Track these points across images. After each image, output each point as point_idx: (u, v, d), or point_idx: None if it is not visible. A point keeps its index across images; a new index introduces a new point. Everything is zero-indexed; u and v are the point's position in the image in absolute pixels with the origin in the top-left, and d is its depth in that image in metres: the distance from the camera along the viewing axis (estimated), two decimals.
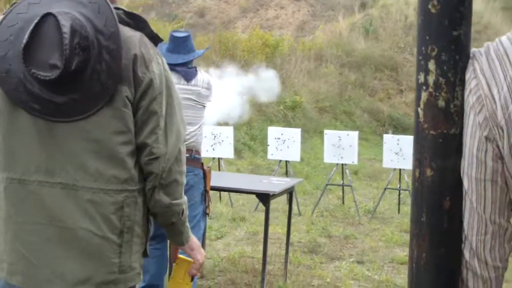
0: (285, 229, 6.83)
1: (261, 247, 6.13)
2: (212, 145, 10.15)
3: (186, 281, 2.84)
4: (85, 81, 2.33)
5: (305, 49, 21.10)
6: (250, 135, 15.80)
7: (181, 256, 2.81)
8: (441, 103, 1.62)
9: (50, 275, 2.40)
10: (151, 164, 2.45)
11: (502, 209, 1.63)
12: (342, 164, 10.33)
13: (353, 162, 10.26)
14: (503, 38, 1.60)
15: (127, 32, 2.43)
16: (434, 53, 1.62)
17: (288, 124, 16.14)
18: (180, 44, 5.12)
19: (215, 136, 10.15)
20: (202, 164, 5.17)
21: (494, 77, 1.56)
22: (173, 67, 5.03)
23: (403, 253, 7.91)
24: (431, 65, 1.63)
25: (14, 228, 2.43)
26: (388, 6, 23.48)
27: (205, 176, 5.13)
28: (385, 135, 10.48)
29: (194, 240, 2.75)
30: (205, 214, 5.21)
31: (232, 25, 26.61)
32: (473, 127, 1.60)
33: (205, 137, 10.08)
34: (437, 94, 1.62)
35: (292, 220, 9.03)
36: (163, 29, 17.09)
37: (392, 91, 21.01)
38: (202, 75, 5.25)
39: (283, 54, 20.14)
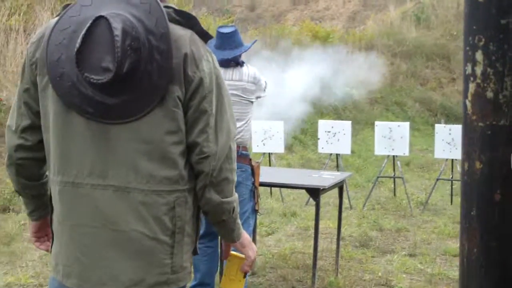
0: (336, 223, 6.80)
1: (312, 242, 6.10)
2: (262, 140, 10.14)
3: (238, 277, 2.85)
4: (136, 82, 2.34)
5: (355, 39, 20.95)
6: (301, 129, 15.77)
7: (233, 252, 2.81)
8: (490, 94, 1.60)
9: (104, 277, 2.43)
10: (202, 163, 2.45)
11: None
12: (394, 156, 10.24)
13: (404, 153, 10.16)
14: None
15: (177, 31, 2.43)
16: (481, 43, 1.59)
17: (339, 117, 16.07)
18: (227, 40, 5.11)
19: (265, 131, 10.13)
20: (250, 160, 5.15)
21: None
22: (221, 63, 5.04)
23: (456, 245, 7.79)
24: (479, 56, 1.60)
25: (69, 230, 2.46)
26: None
27: (254, 172, 5.10)
28: (437, 125, 10.34)
29: (245, 237, 2.74)
30: (255, 210, 5.19)
31: (283, 18, 26.56)
32: None
33: (255, 132, 10.11)
34: (485, 85, 1.60)
35: (343, 214, 9.00)
36: (213, 24, 17.16)
37: (444, 80, 20.72)
38: (248, 69, 5.23)
39: (334, 45, 20.01)
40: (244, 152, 5.10)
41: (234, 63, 5.19)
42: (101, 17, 2.27)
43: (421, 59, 20.83)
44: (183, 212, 2.47)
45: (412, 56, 20.84)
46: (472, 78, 1.61)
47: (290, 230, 8.48)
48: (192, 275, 2.63)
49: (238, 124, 5.04)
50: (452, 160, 10.06)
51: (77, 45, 2.26)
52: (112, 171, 2.40)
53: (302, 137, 15.26)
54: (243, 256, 2.78)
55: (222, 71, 4.92)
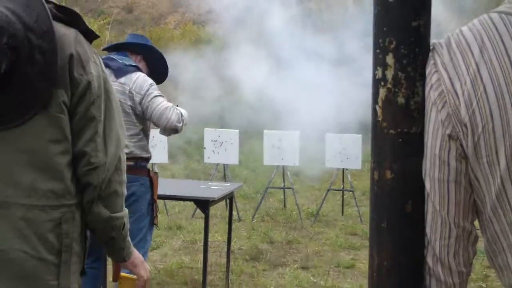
0: (225, 236, 6.77)
1: (200, 257, 6.06)
2: None
3: None
4: (15, 85, 2.20)
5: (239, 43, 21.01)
6: (185, 138, 15.66)
7: (123, 274, 2.70)
8: (401, 99, 1.58)
9: None
10: (89, 174, 2.35)
11: (466, 212, 1.60)
12: (283, 166, 10.30)
13: (294, 163, 10.24)
14: (464, 29, 1.56)
15: (60, 29, 2.30)
16: (392, 46, 1.57)
17: (226, 125, 16.07)
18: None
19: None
20: (148, 171, 4.95)
21: (457, 71, 1.53)
22: (106, 61, 4.75)
23: (349, 256, 7.93)
24: (390, 59, 1.58)
25: None
26: None
27: (152, 184, 4.94)
28: (327, 134, 10.48)
29: (136, 255, 2.65)
30: (153, 225, 5.02)
31: (163, 21, 26.35)
32: (435, 125, 1.56)
33: None
34: (396, 90, 1.58)
35: (232, 226, 9.00)
36: (90, 26, 16.78)
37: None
38: (141, 79, 4.88)
39: (218, 49, 20.01)
40: (142, 164, 4.91)
41: (126, 65, 4.90)
42: None
43: None
44: (71, 229, 2.36)
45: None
46: (382, 83, 1.59)
47: (177, 244, 8.38)
48: None
49: (135, 132, 4.88)
50: (343, 170, 10.22)
51: None
52: None
53: (187, 147, 15.17)
54: (134, 276, 2.69)
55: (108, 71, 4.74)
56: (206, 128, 10.83)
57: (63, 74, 2.27)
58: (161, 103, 4.85)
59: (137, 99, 4.81)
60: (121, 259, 2.61)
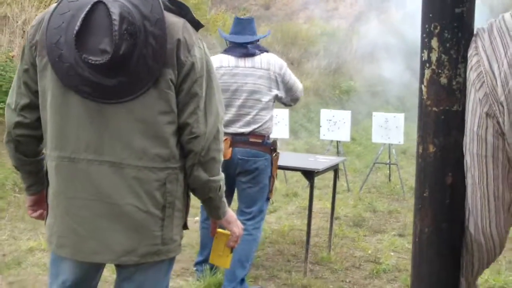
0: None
1: None
2: None
3: (226, 253, 2.78)
4: (132, 64, 2.27)
5: (360, 37, 20.80)
6: (307, 117, 15.67)
7: (219, 230, 2.74)
8: (444, 80, 1.50)
9: (98, 247, 2.38)
10: (191, 142, 2.40)
11: (505, 185, 1.51)
12: (389, 144, 10.12)
13: (399, 142, 10.03)
14: (506, 15, 1.46)
15: (170, 18, 2.37)
16: (437, 31, 1.50)
17: (342, 107, 15.95)
18: (244, 26, 4.86)
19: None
20: (271, 149, 4.89)
21: (495, 53, 1.44)
22: (246, 51, 4.78)
23: None
24: (434, 43, 1.51)
25: (64, 203, 2.40)
26: None
27: (273, 162, 4.94)
28: None
29: (230, 214, 2.69)
30: (268, 198, 5.05)
31: (295, 16, 26.42)
32: (474, 104, 1.48)
33: None
34: (440, 71, 1.50)
35: (341, 196, 8.94)
36: (230, 20, 17.03)
37: None
38: (274, 59, 4.86)
39: (339, 42, 19.90)
40: (268, 141, 4.87)
41: (261, 51, 4.85)
42: (99, 2, 2.21)
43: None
44: (174, 189, 2.42)
45: (412, 54, 20.63)
46: (427, 64, 1.52)
47: (291, 209, 8.39)
48: (181, 248, 2.56)
49: (268, 113, 4.82)
50: None
51: (76, 28, 2.19)
52: (108, 147, 2.34)
53: (308, 125, 15.16)
54: (228, 232, 2.71)
55: (246, 61, 4.70)
56: (322, 109, 10.78)
57: (171, 56, 2.33)
58: (293, 77, 4.96)
59: (279, 78, 4.83)
60: (217, 217, 2.64)
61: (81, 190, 2.36)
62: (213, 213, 2.64)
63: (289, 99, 5.04)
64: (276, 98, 4.91)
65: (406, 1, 22.28)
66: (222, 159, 2.55)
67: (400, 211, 8.48)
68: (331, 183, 9.65)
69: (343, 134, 10.13)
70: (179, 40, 2.34)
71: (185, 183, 2.48)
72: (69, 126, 2.36)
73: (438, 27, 1.49)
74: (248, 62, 4.78)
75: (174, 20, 2.38)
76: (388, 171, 10.83)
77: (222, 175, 2.55)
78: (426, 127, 1.54)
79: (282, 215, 7.98)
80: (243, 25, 4.90)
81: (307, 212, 7.92)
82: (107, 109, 2.32)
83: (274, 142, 4.94)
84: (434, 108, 1.51)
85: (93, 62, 2.20)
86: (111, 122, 2.33)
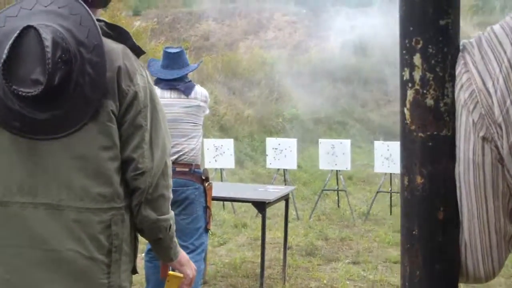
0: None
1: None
2: (214, 157, 9.86)
3: None
4: (67, 96, 2.03)
5: (300, 66, 20.85)
6: (251, 146, 15.51)
7: (171, 272, 2.48)
8: (430, 101, 1.30)
9: None
10: (137, 179, 2.16)
11: (506, 216, 1.32)
12: (337, 171, 10.01)
13: (346, 168, 9.95)
14: (495, 27, 1.28)
15: (109, 44, 2.14)
16: (419, 46, 1.30)
17: (287, 135, 15.84)
18: (173, 60, 4.77)
19: (216, 148, 9.85)
20: (202, 179, 4.75)
21: (488, 69, 1.25)
22: (171, 83, 4.73)
23: (396, 252, 7.57)
24: (417, 60, 1.31)
25: None
26: (377, 26, 23.19)
27: (206, 192, 4.76)
28: (375, 142, 10.18)
29: (183, 255, 2.44)
30: (207, 230, 4.83)
31: (235, 47, 26.39)
32: (467, 128, 1.28)
33: (208, 149, 9.82)
34: (425, 91, 1.30)
35: (291, 224, 8.73)
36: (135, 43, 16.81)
37: (381, 102, 20.71)
38: (200, 89, 4.89)
39: (280, 71, 19.90)
40: (196, 170, 4.74)
41: (186, 82, 4.82)
42: (29, 27, 1.95)
43: (360, 83, 20.79)
44: (120, 231, 2.16)
45: (352, 80, 20.78)
46: (410, 84, 1.32)
47: (241, 240, 8.15)
48: None
49: (192, 141, 4.74)
50: (391, 174, 9.87)
51: (4, 56, 1.94)
52: (43, 188, 2.08)
53: (253, 154, 14.99)
54: (181, 275, 2.46)
55: (176, 92, 4.65)
56: (267, 137, 10.62)
57: (111, 85, 2.10)
58: None
59: (205, 105, 4.90)
60: (169, 259, 2.40)
61: (14, 236, 2.08)
62: (163, 255, 2.40)
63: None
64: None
65: (345, 30, 22.50)
66: (171, 196, 2.32)
67: (352, 237, 8.33)
68: (280, 211, 9.52)
69: (290, 162, 9.99)
70: (119, 67, 2.12)
71: (131, 223, 2.23)
72: None
73: (421, 42, 1.29)
74: (173, 93, 4.77)
75: (113, 46, 2.15)
76: (336, 198, 10.71)
77: (172, 214, 2.33)
78: (412, 155, 1.33)
79: (232, 247, 7.73)
80: (171, 58, 4.81)
81: (258, 242, 7.72)
82: (40, 146, 2.07)
83: (205, 171, 4.82)
84: (420, 134, 1.31)
85: (24, 94, 1.94)
86: (46, 160, 2.08)
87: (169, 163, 2.29)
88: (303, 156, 15.22)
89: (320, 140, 10.31)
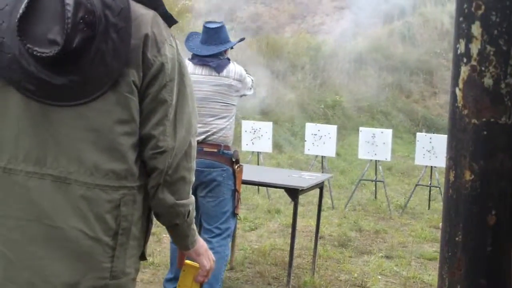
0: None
1: None
2: (251, 139, 9.66)
3: None
4: (87, 61, 1.85)
5: (346, 52, 20.51)
6: (291, 131, 15.27)
7: (188, 261, 2.28)
8: (488, 81, 1.06)
9: (32, 277, 1.91)
10: (156, 158, 1.97)
11: None
12: (376, 161, 9.72)
13: (386, 158, 9.64)
14: None
15: (139, 9, 1.95)
16: (480, 12, 1.06)
17: (328, 122, 15.55)
18: (212, 35, 4.56)
19: (255, 131, 9.65)
20: (232, 161, 4.55)
21: None
22: (204, 59, 4.53)
23: (432, 249, 7.29)
24: (476, 29, 1.07)
25: None
26: (425, 14, 22.64)
27: (235, 175, 4.57)
28: (418, 133, 9.84)
29: (201, 244, 2.23)
30: (235, 214, 4.64)
31: (282, 30, 26.15)
32: None
33: (245, 131, 9.62)
34: (483, 68, 1.06)
35: (325, 213, 8.50)
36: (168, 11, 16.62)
37: (426, 93, 20.26)
38: (235, 66, 4.64)
39: (325, 56, 19.58)
40: (225, 151, 4.53)
41: (221, 59, 4.60)
42: None
43: (406, 73, 20.38)
44: (130, 212, 1.97)
45: (398, 70, 20.38)
46: (465, 59, 1.08)
47: (273, 226, 7.95)
48: (135, 283, 2.10)
49: (220, 121, 4.52)
50: (431, 167, 9.54)
51: (20, 12, 1.77)
52: (52, 158, 1.90)
53: (292, 139, 14.76)
54: (198, 265, 2.26)
55: (208, 68, 4.45)
56: (307, 123, 10.37)
57: (136, 53, 1.90)
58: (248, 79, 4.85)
59: (239, 85, 4.65)
60: (184, 247, 2.19)
61: (15, 208, 1.91)
62: (180, 242, 2.20)
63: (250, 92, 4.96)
64: (240, 98, 4.82)
65: (393, 17, 22.08)
66: (193, 179, 2.11)
67: (387, 230, 8.06)
68: (315, 199, 9.27)
69: (328, 149, 9.71)
70: (147, 35, 1.92)
71: (144, 206, 2.03)
72: (7, 130, 1.92)
73: (482, 7, 1.06)
74: (205, 70, 4.57)
75: (142, 12, 1.95)
76: (374, 188, 10.43)
77: (192, 199, 2.11)
78: (461, 146, 1.10)
79: (264, 233, 7.53)
80: (210, 34, 4.61)
81: (289, 230, 7.52)
82: (53, 112, 1.89)
83: (236, 153, 4.61)
84: (474, 120, 1.07)
85: (39, 54, 1.78)
86: (58, 129, 1.90)
87: (194, 144, 2.08)
88: (342, 144, 14.94)
89: (360, 128, 10.01)
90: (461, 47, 1.09)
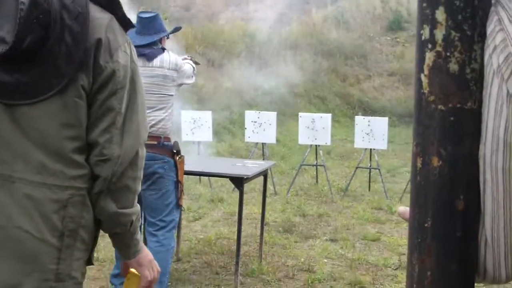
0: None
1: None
2: (191, 129, 9.59)
3: None
4: (38, 62, 1.80)
5: (281, 39, 20.58)
6: (230, 119, 15.25)
7: (132, 270, 2.21)
8: (454, 66, 1.06)
9: None
10: (100, 165, 1.92)
11: None
12: (316, 145, 9.80)
13: (326, 143, 9.73)
14: None
15: (95, 12, 1.90)
16: None
17: (266, 108, 15.60)
18: (146, 25, 4.48)
19: (194, 120, 9.59)
20: (173, 152, 4.50)
21: None
22: (139, 49, 4.44)
23: (374, 229, 7.42)
24: (440, 14, 1.06)
25: None
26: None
27: (177, 166, 4.50)
28: (356, 117, 9.97)
29: (144, 255, 2.16)
30: (178, 206, 4.58)
31: (216, 18, 26.03)
32: (498, 100, 1.04)
33: (185, 121, 9.55)
34: (448, 54, 1.06)
35: (268, 200, 8.52)
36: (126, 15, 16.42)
37: (361, 76, 20.55)
38: (170, 56, 4.56)
39: (260, 43, 19.61)
40: (166, 143, 4.47)
41: (155, 49, 4.52)
42: None
43: (341, 57, 20.61)
44: (78, 214, 1.92)
45: (333, 54, 20.59)
46: (430, 45, 1.07)
47: (217, 215, 7.93)
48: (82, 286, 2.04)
49: (159, 112, 4.45)
50: (371, 149, 9.68)
51: None
52: None
53: (231, 127, 14.74)
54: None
55: (141, 58, 4.35)
56: (247, 111, 10.36)
57: (87, 58, 1.85)
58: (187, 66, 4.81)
59: (175, 74, 4.58)
60: (126, 256, 2.14)
61: None
62: (121, 251, 2.15)
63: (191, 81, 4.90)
64: (179, 87, 4.77)
65: (326, 3, 22.25)
66: (139, 189, 2.06)
67: (330, 214, 8.15)
68: (257, 186, 9.31)
69: (269, 136, 9.74)
70: (100, 40, 1.87)
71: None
72: None
73: None
74: (140, 61, 4.44)
75: (98, 16, 1.91)
76: (315, 173, 10.52)
77: (136, 208, 2.06)
78: (428, 132, 1.09)
79: (208, 222, 7.50)
80: (144, 24, 4.53)
81: (234, 218, 7.53)
82: None
83: (176, 144, 4.55)
84: (441, 106, 1.07)
85: None
86: (3, 126, 1.85)
87: (142, 154, 2.04)
88: (281, 130, 15.01)
89: (300, 114, 10.07)
90: (425, 33, 1.08)
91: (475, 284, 1.17)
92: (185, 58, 5.01)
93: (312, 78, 19.23)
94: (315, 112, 13.91)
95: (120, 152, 1.93)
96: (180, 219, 5.55)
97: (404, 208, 1.25)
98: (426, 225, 1.12)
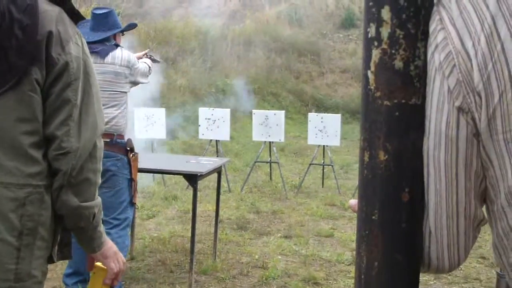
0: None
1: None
2: (145, 127, 9.54)
3: None
4: None
5: (235, 35, 20.59)
6: (183, 116, 15.19)
7: (98, 264, 2.22)
8: (399, 63, 1.11)
9: None
10: (59, 159, 1.92)
11: (477, 199, 1.14)
12: (270, 142, 9.85)
13: (280, 140, 9.79)
14: None
15: (43, 5, 1.89)
16: None
17: (219, 105, 15.58)
18: (100, 21, 4.46)
19: (148, 118, 9.54)
20: (126, 150, 4.47)
21: (468, 27, 1.06)
22: (91, 46, 4.41)
23: (328, 226, 7.50)
24: (385, 13, 1.11)
25: None
26: None
27: (130, 164, 4.49)
28: (309, 114, 10.04)
29: (108, 246, 2.18)
30: (132, 204, 4.57)
31: (169, 14, 25.88)
32: (440, 96, 1.09)
33: (138, 118, 9.49)
34: (394, 51, 1.11)
35: (222, 197, 8.54)
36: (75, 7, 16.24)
37: (314, 73, 20.69)
38: (122, 52, 4.53)
39: (214, 40, 19.58)
40: (119, 140, 4.44)
41: (108, 45, 4.50)
42: None
43: (294, 54, 20.71)
44: (36, 212, 1.91)
45: (286, 51, 20.68)
46: (376, 43, 1.12)
47: (171, 213, 7.91)
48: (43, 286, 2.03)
49: (112, 110, 4.42)
50: (324, 146, 9.77)
51: None
52: None
53: (185, 124, 14.69)
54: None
55: (93, 55, 4.32)
56: (200, 108, 10.35)
57: (39, 51, 1.85)
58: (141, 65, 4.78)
59: (127, 71, 4.54)
60: (91, 250, 2.15)
61: None
62: (85, 245, 2.15)
63: (146, 80, 4.87)
64: (133, 85, 4.71)
65: (280, 0, 22.32)
66: (99, 181, 2.07)
67: (284, 211, 8.21)
68: (211, 183, 9.32)
69: (223, 133, 9.75)
70: (50, 32, 1.87)
71: (53, 206, 1.98)
72: None
73: None
74: (93, 57, 4.37)
75: (47, 8, 1.90)
76: (269, 170, 10.58)
77: (98, 200, 2.07)
78: (375, 127, 1.14)
79: (162, 220, 7.48)
80: (98, 20, 4.51)
81: (188, 216, 7.52)
82: None
83: (129, 142, 4.53)
84: (386, 102, 1.12)
85: None
86: None
87: (100, 145, 2.04)
88: (235, 127, 15.02)
89: (254, 111, 10.10)
90: (372, 31, 1.12)
91: (421, 274, 1.23)
92: (145, 55, 4.99)
93: (265, 75, 19.29)
94: (268, 109, 13.99)
95: (79, 144, 1.93)
96: (134, 217, 5.53)
97: (355, 201, 1.29)
98: (373, 217, 1.16)
